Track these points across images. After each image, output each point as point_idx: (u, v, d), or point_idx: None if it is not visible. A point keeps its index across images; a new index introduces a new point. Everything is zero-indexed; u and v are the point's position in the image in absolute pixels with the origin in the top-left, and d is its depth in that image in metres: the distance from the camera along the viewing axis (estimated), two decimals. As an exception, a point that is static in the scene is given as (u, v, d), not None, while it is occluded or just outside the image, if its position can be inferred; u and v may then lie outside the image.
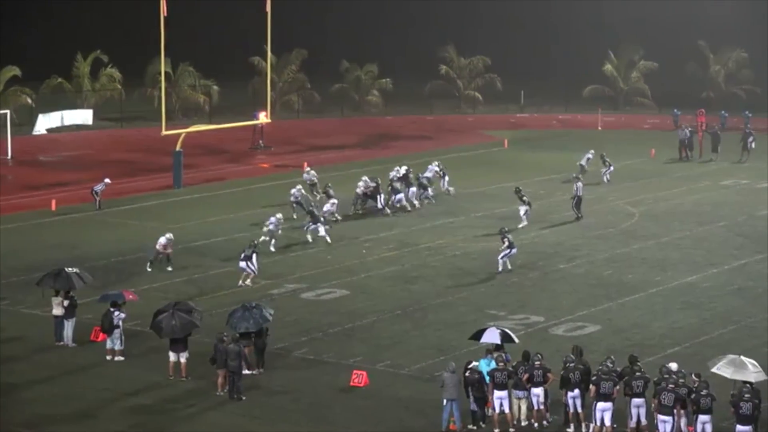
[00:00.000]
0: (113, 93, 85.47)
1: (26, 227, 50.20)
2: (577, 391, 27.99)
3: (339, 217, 49.78)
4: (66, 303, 34.14)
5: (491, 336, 29.99)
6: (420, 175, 55.14)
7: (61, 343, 34.19)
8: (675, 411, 26.75)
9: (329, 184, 52.37)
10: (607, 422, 27.43)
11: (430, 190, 54.43)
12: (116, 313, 32.89)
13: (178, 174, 59.68)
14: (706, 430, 26.69)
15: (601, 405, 27.37)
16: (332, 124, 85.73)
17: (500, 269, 42.03)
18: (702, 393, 26.61)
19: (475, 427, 28.41)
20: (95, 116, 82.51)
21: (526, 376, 28.26)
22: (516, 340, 30.38)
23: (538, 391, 28.26)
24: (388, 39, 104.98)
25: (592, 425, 27.69)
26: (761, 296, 39.35)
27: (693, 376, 27.44)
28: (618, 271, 42.60)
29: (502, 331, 30.17)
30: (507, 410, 28.23)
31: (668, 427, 26.79)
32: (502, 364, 28.49)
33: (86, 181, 58.31)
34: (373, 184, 52.48)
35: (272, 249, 44.35)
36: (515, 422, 28.37)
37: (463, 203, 54.66)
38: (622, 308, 38.15)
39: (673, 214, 52.54)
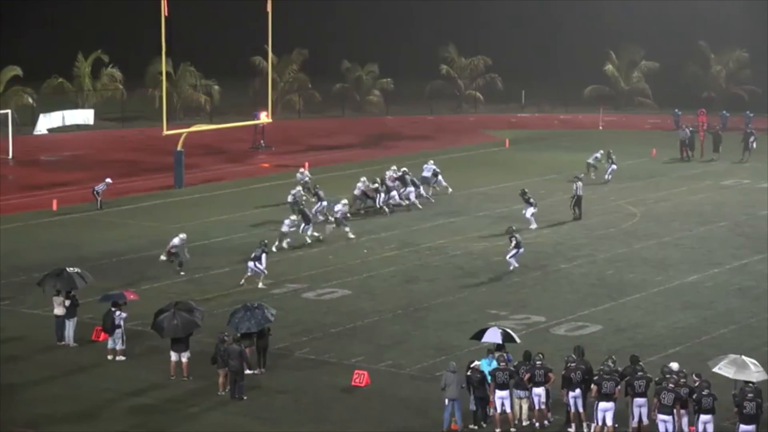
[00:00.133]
0: (114, 93, 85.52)
1: (27, 227, 50.20)
2: (578, 391, 28.00)
3: (349, 215, 49.47)
4: (67, 303, 34.15)
5: (492, 336, 30.01)
6: (422, 176, 55.32)
7: (63, 342, 34.20)
8: (675, 410, 26.77)
9: (317, 186, 52.24)
10: (609, 422, 27.44)
11: (428, 189, 54.61)
12: (117, 312, 32.90)
13: (179, 174, 59.70)
14: (707, 429, 26.70)
15: (602, 405, 27.38)
16: (333, 124, 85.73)
17: (510, 268, 42.07)
18: (704, 393, 26.62)
19: (476, 427, 28.43)
20: (96, 116, 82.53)
21: (527, 375, 28.27)
22: (517, 339, 30.40)
23: (539, 391, 28.28)
24: (389, 39, 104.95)
25: (593, 425, 27.70)
26: (762, 296, 39.35)
27: (694, 375, 27.46)
28: (619, 271, 42.61)
29: (504, 330, 30.19)
30: (508, 410, 28.25)
31: (668, 426, 26.81)
32: (503, 363, 28.51)
33: (87, 180, 58.32)
34: (375, 186, 52.54)
35: (274, 249, 44.28)
36: (516, 422, 28.39)
37: (463, 203, 54.68)
38: (623, 308, 38.16)
39: (674, 214, 52.54)
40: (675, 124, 77.59)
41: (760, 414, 26.44)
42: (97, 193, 53.62)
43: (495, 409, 28.25)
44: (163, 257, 42.23)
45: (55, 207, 53.64)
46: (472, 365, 28.54)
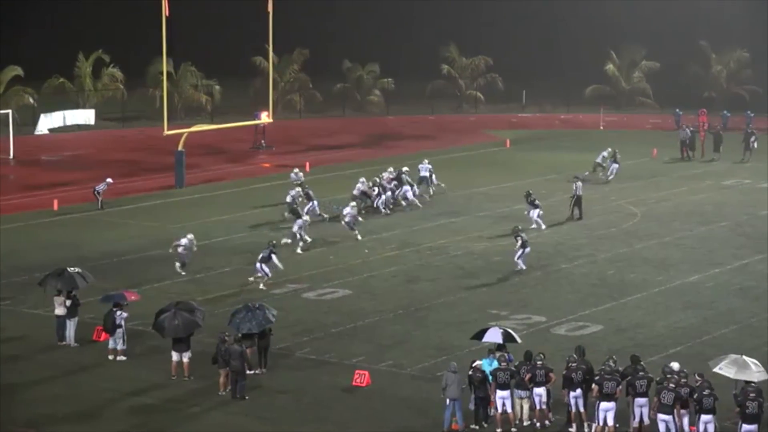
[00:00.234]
0: (115, 93, 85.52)
1: (28, 227, 50.21)
2: (579, 391, 28.00)
3: (360, 218, 49.47)
4: (68, 303, 34.15)
5: (493, 336, 30.01)
6: (419, 176, 55.38)
7: (64, 342, 34.21)
8: (675, 410, 26.77)
9: (307, 186, 52.16)
10: (610, 422, 27.43)
11: (427, 188, 54.69)
12: (118, 312, 32.90)
13: (180, 174, 59.70)
14: (708, 429, 26.70)
15: (604, 405, 27.38)
16: (334, 123, 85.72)
17: (518, 268, 42.07)
18: (705, 392, 26.63)
19: (477, 427, 28.43)
20: (97, 116, 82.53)
21: (528, 375, 28.27)
22: (518, 339, 30.39)
23: (540, 391, 28.27)
24: (389, 39, 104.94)
25: (594, 425, 27.70)
26: (762, 296, 39.34)
27: (696, 375, 27.46)
28: (620, 271, 42.60)
29: (505, 330, 30.19)
30: (509, 410, 28.25)
31: (668, 426, 26.81)
32: (504, 363, 28.51)
33: (88, 180, 58.32)
34: (375, 188, 52.57)
35: (299, 251, 44.56)
36: (517, 422, 28.39)
37: (464, 203, 54.68)
38: (623, 308, 38.15)
39: (674, 214, 52.53)
40: (676, 124, 77.61)
41: (761, 414, 26.46)
42: (98, 193, 53.63)
43: (496, 409, 28.26)
44: (171, 250, 42.19)
45: (55, 207, 53.64)
46: (473, 365, 28.55)
